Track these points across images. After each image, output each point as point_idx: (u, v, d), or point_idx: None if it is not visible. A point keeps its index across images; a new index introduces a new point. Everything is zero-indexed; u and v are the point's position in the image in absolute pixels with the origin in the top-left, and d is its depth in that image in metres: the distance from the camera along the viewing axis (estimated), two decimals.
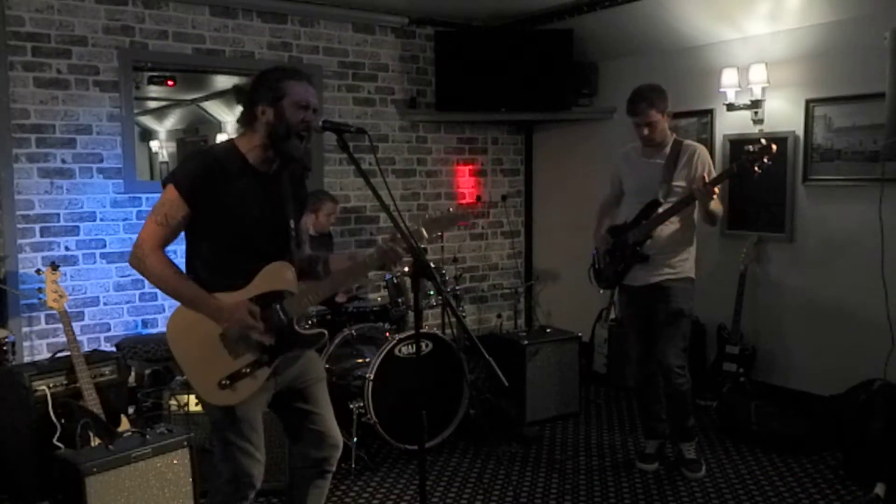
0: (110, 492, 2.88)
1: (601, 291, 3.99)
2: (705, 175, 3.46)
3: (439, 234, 2.54)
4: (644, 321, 3.77)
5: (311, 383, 2.52)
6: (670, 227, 3.62)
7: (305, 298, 2.36)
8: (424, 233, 2.41)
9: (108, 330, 4.61)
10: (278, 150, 2.32)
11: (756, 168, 3.38)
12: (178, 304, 2.32)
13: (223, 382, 2.26)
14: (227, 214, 2.26)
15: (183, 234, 2.33)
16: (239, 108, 2.38)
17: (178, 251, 2.33)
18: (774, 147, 3.36)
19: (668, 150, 3.65)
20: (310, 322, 2.48)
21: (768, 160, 3.37)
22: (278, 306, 2.31)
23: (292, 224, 2.41)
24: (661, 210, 3.59)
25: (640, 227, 3.64)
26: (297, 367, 2.46)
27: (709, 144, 4.84)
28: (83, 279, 4.51)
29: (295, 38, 5.15)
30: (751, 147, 3.41)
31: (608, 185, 3.96)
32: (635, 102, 3.59)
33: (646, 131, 3.60)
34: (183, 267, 2.33)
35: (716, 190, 3.44)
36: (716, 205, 3.49)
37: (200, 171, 2.25)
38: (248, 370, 2.29)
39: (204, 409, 2.47)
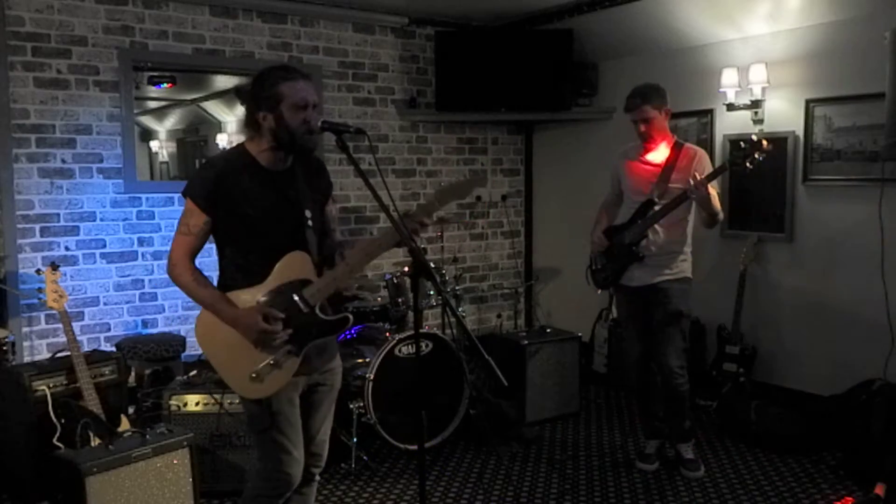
0: (110, 492, 2.89)
1: (598, 292, 4.00)
2: (697, 174, 3.42)
3: (455, 201, 2.50)
4: (642, 321, 3.77)
5: (325, 391, 2.53)
6: (668, 227, 3.62)
7: (326, 285, 2.38)
8: (437, 203, 2.41)
9: (108, 330, 4.60)
10: (288, 151, 2.37)
11: (748, 164, 3.39)
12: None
13: (253, 376, 2.29)
14: (243, 216, 2.31)
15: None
16: (242, 110, 2.40)
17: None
18: (765, 143, 3.37)
19: (668, 150, 3.65)
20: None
21: (759, 156, 3.37)
22: (297, 296, 2.33)
23: (308, 214, 2.42)
24: (655, 209, 3.59)
25: (636, 226, 3.65)
26: (323, 370, 2.48)
27: (709, 144, 4.84)
28: (83, 279, 4.50)
29: (295, 38, 5.15)
30: (742, 143, 3.44)
31: (608, 185, 3.97)
32: (630, 98, 3.60)
33: (642, 128, 3.60)
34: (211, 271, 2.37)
35: (712, 189, 3.42)
36: (716, 203, 3.46)
37: (213, 179, 2.31)
38: (274, 362, 2.31)
39: (242, 405, 2.52)
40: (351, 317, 2.45)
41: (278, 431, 2.36)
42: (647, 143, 3.66)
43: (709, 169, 3.59)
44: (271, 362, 2.30)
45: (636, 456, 3.99)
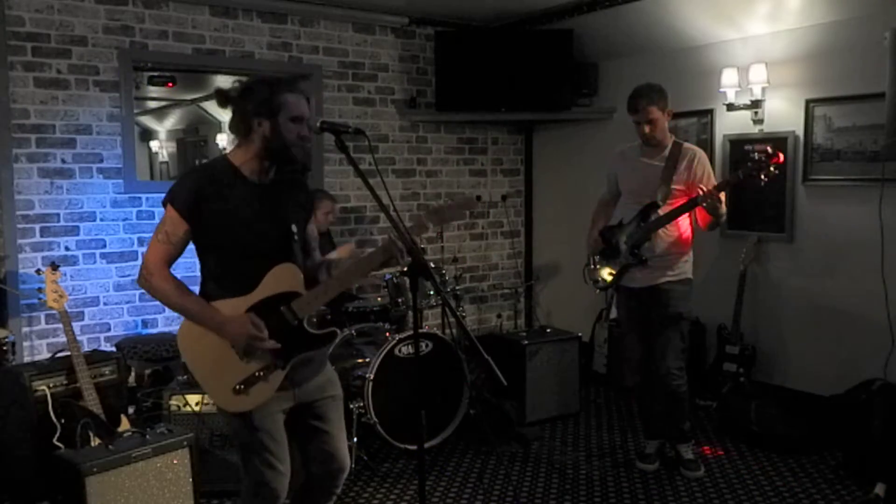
0: (110, 492, 2.88)
1: (597, 292, 3.99)
2: (703, 187, 3.42)
3: (445, 224, 2.52)
4: (642, 322, 3.77)
5: (328, 401, 2.50)
6: (669, 228, 3.61)
7: (315, 298, 2.36)
8: (426, 222, 2.40)
9: (108, 330, 4.61)
10: (275, 161, 2.34)
11: (763, 177, 3.40)
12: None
13: (237, 388, 2.26)
14: (225, 226, 2.27)
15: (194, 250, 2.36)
16: (228, 113, 2.37)
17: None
18: (781, 155, 3.37)
19: (667, 151, 3.63)
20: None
21: (775, 168, 3.38)
22: (285, 308, 2.31)
23: (294, 229, 2.40)
24: (660, 213, 3.57)
25: (639, 229, 3.62)
26: (316, 382, 2.45)
27: (709, 144, 4.84)
28: (83, 279, 4.51)
29: (295, 38, 5.15)
30: (756, 155, 3.42)
31: (605, 184, 3.96)
32: (635, 99, 3.58)
33: (647, 129, 3.57)
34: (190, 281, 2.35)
35: (722, 196, 3.44)
36: (722, 208, 3.47)
37: (194, 188, 2.27)
38: (261, 374, 2.28)
39: (224, 420, 2.47)
40: (338, 331, 2.43)
41: (262, 447, 2.33)
42: (648, 144, 3.66)
43: (708, 168, 3.60)
44: (258, 374, 2.27)
45: (636, 456, 3.98)
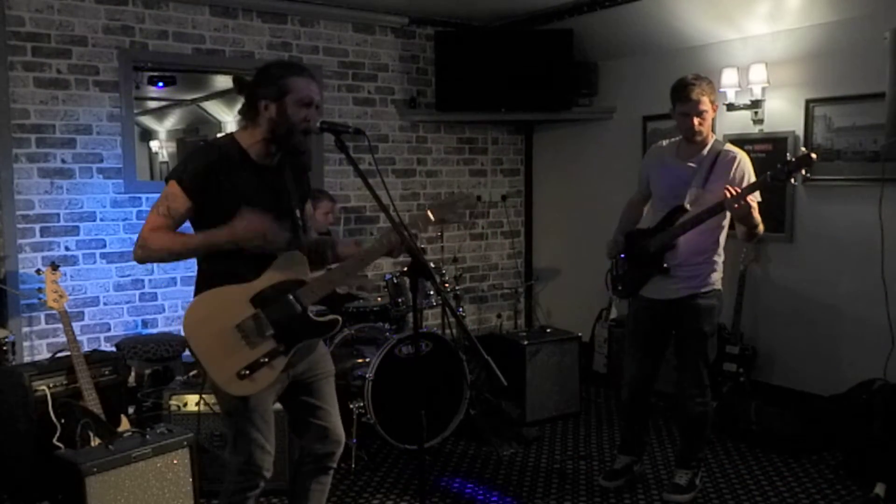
0: (110, 492, 2.88)
1: (618, 300, 3.85)
2: (730, 188, 3.08)
3: (447, 216, 2.53)
4: (650, 338, 3.49)
5: (320, 378, 2.54)
6: (698, 236, 3.27)
7: (319, 287, 2.39)
8: (431, 216, 2.42)
9: (108, 330, 4.61)
10: (281, 145, 2.35)
11: (793, 181, 3.16)
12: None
13: (242, 373, 2.29)
14: (230, 208, 2.27)
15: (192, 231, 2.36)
16: (240, 100, 2.39)
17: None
18: (814, 156, 3.05)
19: (706, 151, 3.31)
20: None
21: (808, 172, 3.13)
22: (292, 296, 2.34)
23: (298, 213, 2.43)
24: (685, 218, 3.26)
25: (662, 234, 3.32)
26: (307, 360, 2.49)
27: None
28: (83, 279, 4.51)
29: (295, 38, 5.15)
30: (789, 155, 3.19)
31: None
32: (686, 87, 3.22)
33: (696, 122, 3.23)
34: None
35: (752, 201, 3.12)
36: (755, 215, 3.15)
37: (201, 166, 2.28)
38: (266, 360, 2.31)
39: (217, 400, 2.51)
40: (340, 319, 2.46)
41: (253, 427, 2.37)
42: (691, 140, 3.31)
43: (749, 173, 3.27)
44: (263, 360, 2.30)
45: (601, 471, 3.79)
